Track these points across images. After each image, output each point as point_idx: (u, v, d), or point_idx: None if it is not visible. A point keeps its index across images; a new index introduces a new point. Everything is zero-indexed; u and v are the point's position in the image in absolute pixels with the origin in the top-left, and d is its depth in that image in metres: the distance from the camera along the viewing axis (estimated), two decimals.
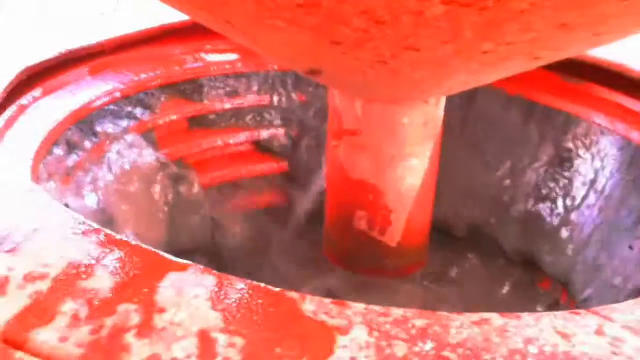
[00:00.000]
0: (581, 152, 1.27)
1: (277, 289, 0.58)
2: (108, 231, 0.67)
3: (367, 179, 1.03)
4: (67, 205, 1.02)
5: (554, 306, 1.29)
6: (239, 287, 0.58)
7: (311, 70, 0.86)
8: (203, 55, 1.38)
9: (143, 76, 1.28)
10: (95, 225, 0.68)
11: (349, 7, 0.57)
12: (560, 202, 1.30)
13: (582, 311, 0.60)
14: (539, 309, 1.29)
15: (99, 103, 1.18)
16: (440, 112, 1.02)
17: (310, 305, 0.56)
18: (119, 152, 1.22)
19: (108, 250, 0.64)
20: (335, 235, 1.12)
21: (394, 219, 1.05)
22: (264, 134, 1.45)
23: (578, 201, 1.27)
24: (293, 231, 1.33)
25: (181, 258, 0.63)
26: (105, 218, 1.13)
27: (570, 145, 1.29)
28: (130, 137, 1.23)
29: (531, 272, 1.34)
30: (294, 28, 0.66)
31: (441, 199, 1.32)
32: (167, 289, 0.57)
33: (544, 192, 1.33)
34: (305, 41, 0.71)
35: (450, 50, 0.67)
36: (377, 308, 0.56)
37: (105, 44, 1.26)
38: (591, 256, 1.22)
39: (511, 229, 1.37)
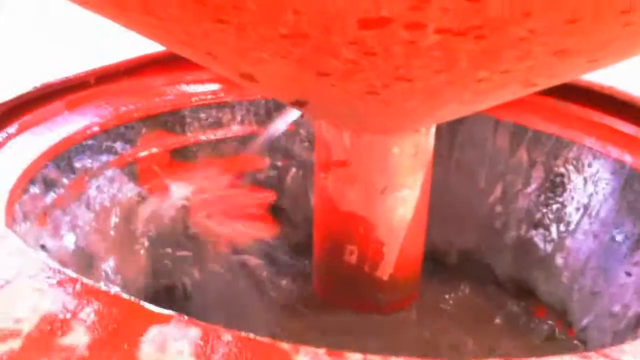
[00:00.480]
0: (573, 176, 1.24)
1: (267, 340, 0.54)
2: (85, 280, 0.63)
3: (356, 211, 1.00)
4: (43, 247, 0.98)
5: (550, 335, 1.25)
6: (225, 339, 0.54)
7: (297, 101, 0.83)
8: (184, 86, 1.35)
9: (123, 109, 1.24)
10: (72, 274, 0.63)
11: (337, 38, 0.54)
12: (553, 228, 1.27)
13: (592, 354, 0.56)
14: (535, 339, 1.26)
15: (77, 138, 1.14)
16: (431, 140, 0.99)
17: (304, 357, 0.52)
18: (98, 188, 1.18)
19: (85, 302, 0.59)
20: (324, 270, 1.09)
21: (386, 251, 1.02)
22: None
23: (572, 227, 1.24)
24: (282, 265, 1.30)
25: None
26: (85, 256, 1.08)
27: (562, 169, 1.26)
28: (109, 172, 1.19)
29: (526, 300, 1.31)
30: (279, 60, 0.63)
31: (431, 226, 1.29)
32: (149, 344, 0.53)
33: (537, 217, 1.30)
34: (290, 72, 0.68)
35: (443, 80, 0.64)
36: (376, 358, 0.52)
37: (83, 76, 1.22)
38: (587, 283, 1.19)
39: (504, 256, 1.34)
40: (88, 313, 0.58)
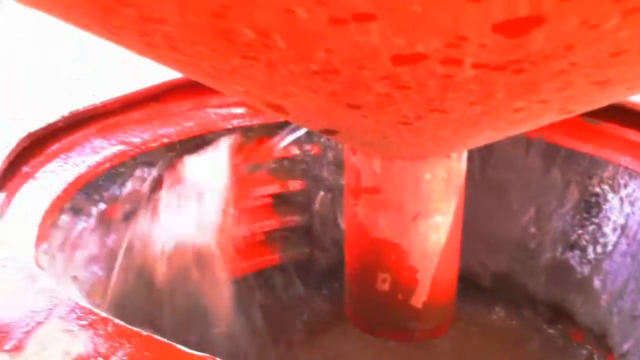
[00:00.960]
0: (609, 196, 1.21)
1: None
2: (117, 321, 0.62)
3: (388, 238, 0.98)
4: (75, 278, 0.97)
5: None
6: None
7: (326, 130, 0.81)
8: (210, 110, 1.34)
9: (150, 135, 1.23)
10: (103, 314, 0.62)
11: (370, 73, 0.52)
12: (590, 250, 1.24)
13: None
14: None
15: (106, 166, 1.14)
16: (463, 165, 0.97)
17: None
18: (128, 216, 1.17)
19: (117, 344, 0.58)
20: (356, 297, 1.07)
21: (419, 278, 1.00)
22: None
23: (609, 248, 1.21)
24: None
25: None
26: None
27: (597, 189, 1.23)
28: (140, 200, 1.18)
29: (562, 323, 1.28)
30: (309, 93, 0.61)
31: (464, 248, 1.26)
32: None
33: (572, 238, 1.27)
34: (320, 105, 0.66)
35: (478, 110, 0.62)
36: None
37: (110, 103, 1.22)
38: (627, 306, 1.16)
39: (539, 278, 1.31)
40: (120, 357, 0.57)
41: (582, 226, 1.25)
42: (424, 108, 0.61)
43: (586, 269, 1.24)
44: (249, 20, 0.44)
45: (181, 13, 0.45)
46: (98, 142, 1.17)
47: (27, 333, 0.59)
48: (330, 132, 0.83)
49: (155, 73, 1.28)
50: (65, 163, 1.07)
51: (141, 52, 0.64)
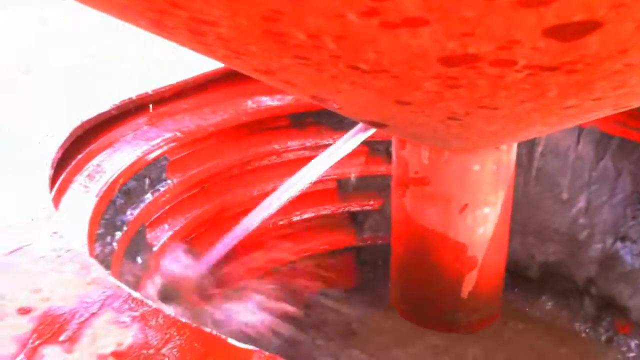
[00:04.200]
0: None
1: None
2: (167, 312, 0.63)
3: (436, 229, 0.98)
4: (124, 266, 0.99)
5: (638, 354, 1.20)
6: None
7: (375, 123, 0.81)
8: (261, 97, 1.34)
9: (204, 122, 1.24)
10: (154, 305, 0.64)
11: (420, 73, 0.52)
12: None
13: None
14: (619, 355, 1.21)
15: (158, 152, 1.15)
16: (512, 156, 0.97)
17: None
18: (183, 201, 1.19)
19: (167, 336, 0.60)
20: (403, 288, 1.07)
21: (465, 270, 1.00)
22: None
23: None
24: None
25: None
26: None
27: None
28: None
29: (611, 315, 1.26)
30: (358, 89, 0.61)
31: (510, 238, 1.25)
32: None
33: (623, 230, 1.25)
34: (369, 100, 0.66)
35: (529, 107, 0.61)
36: None
37: (163, 91, 1.23)
38: None
39: (588, 269, 1.29)
40: (171, 349, 0.58)
41: (634, 217, 1.23)
42: (473, 105, 0.61)
43: (637, 262, 1.22)
44: (301, 24, 0.44)
45: (233, 17, 0.45)
46: (150, 130, 1.19)
47: (81, 324, 0.61)
48: (379, 125, 0.83)
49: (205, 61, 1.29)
50: (118, 151, 1.09)
51: (193, 49, 0.65)
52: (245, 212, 1.28)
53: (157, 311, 0.63)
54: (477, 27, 0.41)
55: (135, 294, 0.66)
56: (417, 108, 0.65)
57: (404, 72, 0.53)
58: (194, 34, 0.56)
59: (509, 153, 0.95)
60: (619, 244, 1.25)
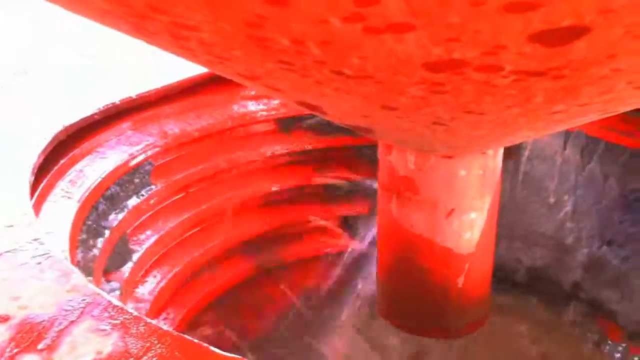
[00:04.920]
0: None
1: None
2: (148, 319, 0.62)
3: (422, 234, 0.97)
4: (106, 272, 0.98)
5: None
6: None
7: (362, 128, 0.80)
8: (247, 101, 1.33)
9: (189, 127, 1.23)
10: (135, 313, 0.63)
11: (405, 79, 0.51)
12: (628, 246, 1.21)
13: None
14: None
15: (142, 157, 1.14)
16: (499, 161, 0.96)
17: None
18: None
19: (148, 344, 0.58)
20: (390, 293, 1.06)
21: (452, 275, 0.99)
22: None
23: None
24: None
25: None
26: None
27: (637, 184, 1.21)
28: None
29: (599, 321, 1.26)
30: (343, 95, 0.61)
31: (498, 243, 1.25)
32: None
33: (610, 234, 1.24)
34: (355, 106, 0.65)
35: (516, 113, 0.61)
36: None
37: (148, 95, 1.22)
38: None
39: (575, 274, 1.29)
40: (151, 357, 0.57)
41: (621, 221, 1.23)
42: (459, 110, 0.60)
43: (623, 266, 1.22)
44: (284, 29, 0.44)
45: (215, 22, 0.45)
46: (134, 135, 1.18)
47: (60, 332, 0.60)
48: (365, 130, 0.82)
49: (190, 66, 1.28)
50: (101, 156, 1.08)
51: (176, 54, 0.64)
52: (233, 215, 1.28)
53: (138, 319, 0.62)
54: (463, 32, 0.40)
55: (116, 302, 0.65)
56: (403, 113, 0.64)
57: (388, 77, 0.52)
58: (175, 39, 0.55)
59: (495, 158, 0.94)
60: (605, 249, 1.25)
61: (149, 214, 1.12)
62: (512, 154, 1.29)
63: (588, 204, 1.24)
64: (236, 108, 1.31)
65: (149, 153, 1.15)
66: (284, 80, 0.60)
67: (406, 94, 0.56)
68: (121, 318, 0.62)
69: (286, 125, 1.35)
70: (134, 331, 0.61)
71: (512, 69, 0.47)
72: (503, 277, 1.32)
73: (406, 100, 0.59)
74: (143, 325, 0.61)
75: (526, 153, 1.30)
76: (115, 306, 0.64)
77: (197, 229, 1.23)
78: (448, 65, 0.47)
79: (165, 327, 0.62)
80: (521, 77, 0.49)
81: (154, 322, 0.62)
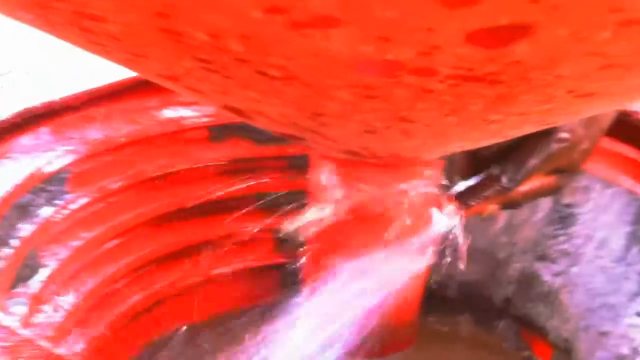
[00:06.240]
0: (581, 207, 1.18)
1: None
2: (43, 343, 0.56)
3: (351, 246, 0.93)
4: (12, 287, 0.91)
5: None
6: None
7: (291, 136, 0.76)
8: (178, 107, 1.27)
9: (113, 133, 1.17)
10: (27, 334, 0.57)
11: (334, 81, 0.48)
12: (560, 262, 1.20)
13: None
14: None
15: (59, 165, 1.07)
16: (436, 174, 0.93)
17: None
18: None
19: None
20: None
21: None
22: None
23: (580, 261, 1.18)
24: None
25: None
26: None
27: (568, 199, 1.20)
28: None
29: (529, 338, 1.25)
30: (269, 99, 0.57)
31: None
32: None
33: (542, 249, 1.23)
34: (283, 112, 0.61)
35: (450, 122, 0.58)
36: None
37: (70, 99, 1.16)
38: (595, 322, 1.13)
39: (507, 289, 1.27)
40: None
41: (554, 236, 1.22)
42: (392, 118, 0.57)
43: (555, 282, 1.21)
44: (198, 21, 0.39)
45: (122, 12, 0.40)
46: (53, 140, 1.11)
47: None
48: (296, 138, 0.78)
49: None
50: (13, 162, 1.01)
51: (89, 50, 0.59)
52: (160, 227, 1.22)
53: (29, 341, 0.56)
54: (395, 30, 0.36)
55: (6, 322, 0.58)
56: (333, 120, 0.61)
57: (316, 80, 0.48)
58: (83, 32, 0.50)
59: (432, 170, 0.91)
60: (538, 264, 1.24)
61: (64, 225, 1.05)
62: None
63: (522, 218, 1.23)
64: (166, 114, 1.25)
65: (68, 159, 1.08)
66: (206, 81, 0.56)
67: (336, 99, 0.53)
68: (12, 340, 0.56)
69: (219, 132, 1.30)
70: (26, 355, 0.55)
71: (448, 73, 0.43)
72: (434, 293, 1.29)
73: (336, 106, 0.55)
74: (37, 349, 0.56)
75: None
76: (5, 327, 0.58)
77: (118, 241, 1.16)
78: (381, 68, 0.43)
79: (60, 351, 0.56)
80: (458, 83, 0.46)
81: (49, 345, 0.56)
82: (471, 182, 0.83)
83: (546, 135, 0.79)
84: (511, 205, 0.85)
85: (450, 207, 0.84)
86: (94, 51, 0.58)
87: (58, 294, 1.01)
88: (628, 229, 1.11)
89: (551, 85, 0.46)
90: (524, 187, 0.82)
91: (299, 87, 0.50)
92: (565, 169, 0.82)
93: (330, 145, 0.80)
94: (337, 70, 0.45)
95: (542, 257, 1.23)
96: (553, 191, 0.86)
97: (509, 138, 0.74)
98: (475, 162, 0.85)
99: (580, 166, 0.85)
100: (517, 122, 0.60)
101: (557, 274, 1.21)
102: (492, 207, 0.83)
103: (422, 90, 0.48)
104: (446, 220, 0.85)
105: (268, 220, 1.35)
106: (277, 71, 0.47)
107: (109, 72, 1.19)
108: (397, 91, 0.49)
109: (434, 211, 0.86)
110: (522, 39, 0.36)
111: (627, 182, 1.11)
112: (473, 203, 0.82)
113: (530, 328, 1.25)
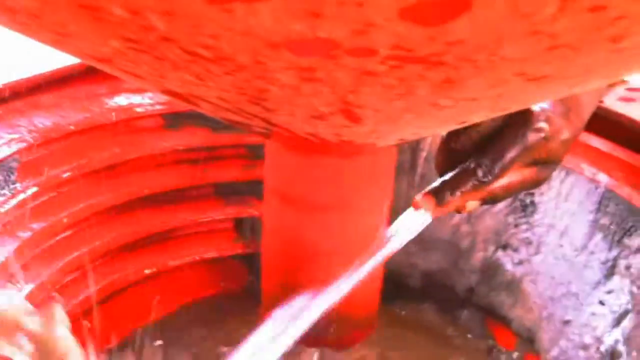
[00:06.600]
0: (543, 196, 1.16)
1: None
2: None
3: (307, 237, 0.91)
4: None
5: None
6: None
7: (238, 123, 0.73)
8: (131, 94, 1.23)
9: (63, 120, 1.13)
10: None
11: (270, 62, 0.45)
12: (522, 250, 1.19)
13: None
14: None
15: (6, 153, 1.03)
16: (391, 161, 0.91)
17: None
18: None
19: None
20: (274, 301, 0.99)
21: (340, 281, 0.93)
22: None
23: (542, 250, 1.16)
24: None
25: None
26: None
27: None
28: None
29: (492, 327, 1.23)
30: (208, 83, 0.53)
31: None
32: None
33: (504, 238, 1.22)
34: (225, 97, 0.58)
35: (399, 107, 0.55)
36: None
37: (16, 85, 1.11)
38: (558, 311, 1.12)
39: (470, 279, 1.26)
40: None
41: (516, 225, 1.20)
42: (337, 102, 0.54)
43: (517, 271, 1.19)
44: None
45: None
46: None
47: None
48: (246, 126, 0.75)
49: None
50: None
51: (14, 30, 0.55)
52: (114, 217, 1.18)
53: None
54: (323, 4, 0.34)
55: None
56: (277, 105, 0.58)
57: (251, 61, 0.45)
58: (4, 11, 0.47)
59: (386, 157, 0.89)
60: (500, 253, 1.22)
61: (12, 215, 1.01)
62: (408, 154, 1.25)
63: (483, 208, 1.21)
64: (118, 101, 1.21)
65: (15, 148, 1.04)
66: (139, 63, 0.53)
67: (276, 83, 0.50)
68: None
69: (174, 120, 1.26)
70: None
71: (387, 53, 0.41)
72: (397, 282, 1.27)
73: (278, 90, 0.52)
74: None
75: (423, 154, 1.26)
76: None
77: (71, 232, 1.12)
78: (315, 47, 0.41)
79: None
80: (399, 64, 0.43)
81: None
82: (447, 177, 0.79)
83: (523, 126, 0.75)
84: (492, 200, 0.81)
85: (426, 205, 0.80)
86: (19, 31, 0.54)
87: (6, 288, 0.97)
88: (590, 217, 1.09)
89: (498, 68, 0.44)
90: (504, 181, 0.78)
91: (233, 69, 0.47)
92: (546, 161, 0.78)
93: (281, 134, 0.77)
94: (271, 51, 0.42)
95: (505, 246, 1.22)
96: (535, 184, 0.82)
97: (465, 124, 0.72)
98: (451, 156, 0.81)
99: (562, 157, 0.81)
100: (469, 108, 0.58)
101: (519, 263, 1.20)
102: (472, 204, 0.79)
103: (363, 73, 0.45)
104: (421, 217, 0.82)
105: (227, 210, 1.32)
106: (207, 51, 0.43)
107: (57, 57, 1.16)
108: (338, 74, 0.46)
109: (409, 210, 0.82)
110: (460, 15, 0.34)
111: (589, 171, 1.10)
112: (449, 199, 0.78)
113: (493, 317, 1.24)
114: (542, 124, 0.75)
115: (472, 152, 0.77)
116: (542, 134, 0.75)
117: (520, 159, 0.76)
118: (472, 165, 0.76)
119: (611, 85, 1.05)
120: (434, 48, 0.39)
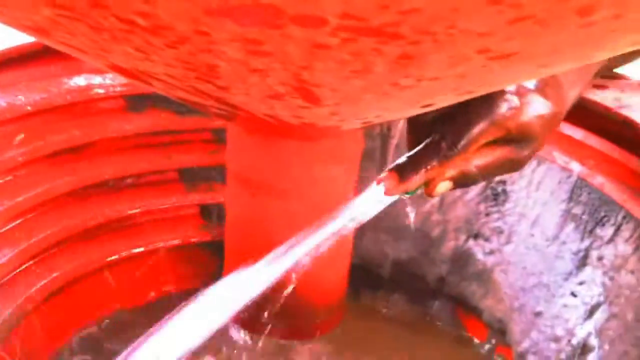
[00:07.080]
0: (515, 184, 1.13)
1: None
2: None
3: (269, 225, 0.88)
4: None
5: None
6: None
7: (195, 104, 0.70)
8: (91, 75, 1.18)
9: (18, 100, 1.08)
10: None
11: (213, 32, 0.41)
12: (494, 240, 1.16)
13: None
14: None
15: None
16: (356, 146, 0.87)
17: None
18: None
19: None
20: None
21: (304, 270, 0.90)
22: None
23: (513, 239, 1.14)
24: None
25: None
26: None
27: (503, 176, 1.15)
28: None
29: (463, 318, 1.21)
30: (152, 56, 0.50)
31: (362, 236, 1.18)
32: None
33: (476, 227, 1.19)
34: (172, 74, 0.55)
35: (358, 86, 0.52)
36: None
37: None
38: (529, 302, 1.10)
39: (440, 268, 1.23)
40: None
41: (487, 214, 1.18)
42: (292, 80, 0.51)
43: (488, 260, 1.17)
44: None
45: None
46: None
47: None
48: (204, 107, 0.71)
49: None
50: None
51: None
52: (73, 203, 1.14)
53: None
54: None
55: None
56: (230, 83, 0.54)
57: (192, 31, 0.41)
58: None
59: (352, 142, 0.85)
60: (471, 242, 1.20)
61: None
62: (379, 141, 1.22)
63: (454, 196, 1.18)
64: (77, 81, 1.16)
65: None
66: (76, 34, 0.49)
67: (223, 57, 0.46)
68: None
69: (137, 102, 1.22)
70: None
71: (338, 23, 0.37)
72: (367, 271, 1.24)
73: (226, 66, 0.48)
74: None
75: (394, 142, 1.23)
76: None
77: (25, 217, 1.08)
78: (258, 15, 0.37)
79: None
80: (352, 36, 0.39)
81: None
82: (411, 152, 0.75)
83: (490, 96, 0.71)
84: (466, 181, 0.76)
85: (389, 181, 0.75)
86: None
87: None
88: (562, 206, 1.07)
89: (459, 43, 0.40)
90: (478, 161, 0.73)
91: (174, 40, 0.43)
92: (520, 139, 0.73)
93: (240, 116, 0.73)
94: (212, 19, 0.38)
95: (476, 236, 1.19)
96: (513, 166, 0.77)
97: (429, 108, 0.68)
98: (418, 130, 0.76)
99: (540, 136, 0.75)
100: (432, 89, 0.55)
101: (490, 253, 1.17)
102: (443, 185, 0.74)
103: (314, 46, 0.42)
104: (381, 195, 0.77)
105: (193, 196, 1.28)
106: (143, 19, 0.40)
107: (14, 35, 1.11)
108: (288, 47, 0.42)
109: (371, 186, 0.78)
110: None
111: (561, 159, 1.07)
112: (412, 175, 0.73)
113: (465, 308, 1.21)
114: (511, 95, 0.71)
115: (438, 126, 0.73)
116: (511, 104, 0.71)
117: (489, 133, 0.71)
118: (437, 138, 0.72)
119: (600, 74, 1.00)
120: (388, 17, 0.36)
